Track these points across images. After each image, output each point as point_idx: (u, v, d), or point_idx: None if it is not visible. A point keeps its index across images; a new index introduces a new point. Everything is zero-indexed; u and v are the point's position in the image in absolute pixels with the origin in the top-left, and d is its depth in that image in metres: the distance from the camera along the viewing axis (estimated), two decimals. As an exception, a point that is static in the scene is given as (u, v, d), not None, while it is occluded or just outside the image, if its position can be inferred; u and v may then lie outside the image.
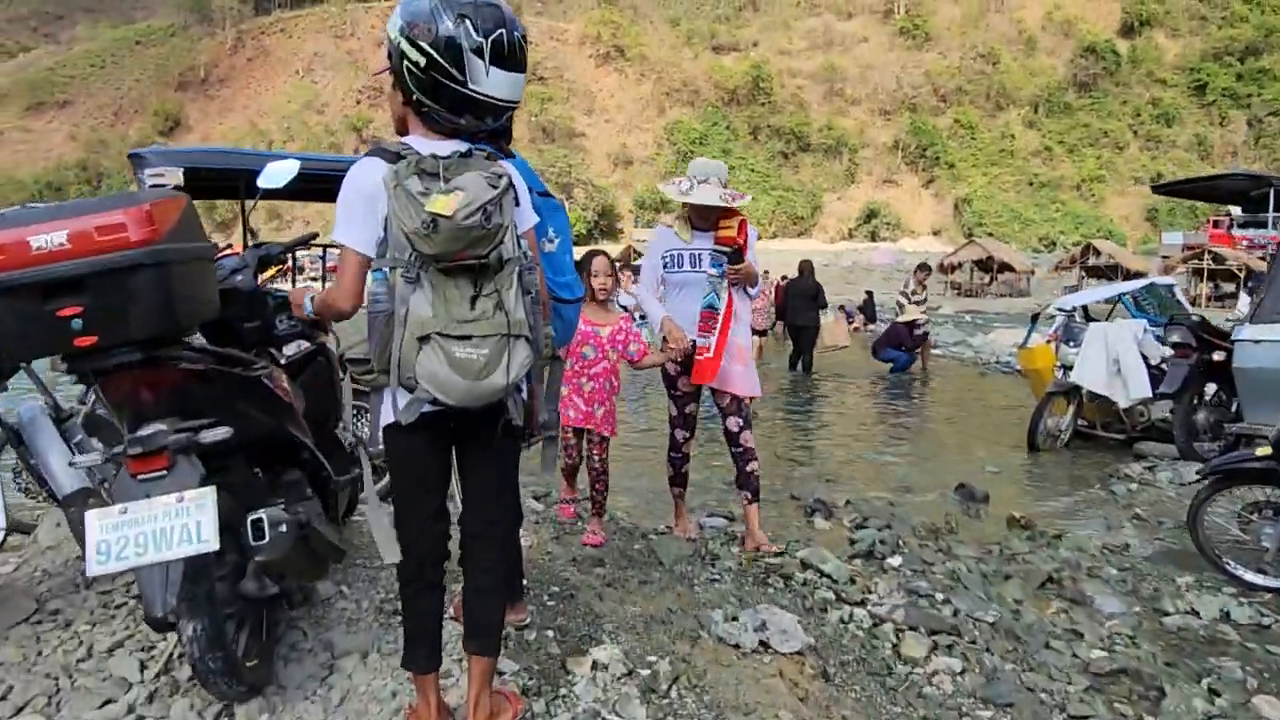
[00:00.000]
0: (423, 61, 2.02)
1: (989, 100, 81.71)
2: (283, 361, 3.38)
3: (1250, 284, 28.66)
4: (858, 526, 4.55)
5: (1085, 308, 7.53)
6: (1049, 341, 7.50)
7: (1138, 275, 39.01)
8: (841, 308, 19.33)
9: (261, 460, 2.66)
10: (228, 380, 2.33)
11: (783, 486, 5.53)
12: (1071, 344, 6.88)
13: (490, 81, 2.02)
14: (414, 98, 2.09)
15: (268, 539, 2.21)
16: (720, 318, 3.75)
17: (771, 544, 3.97)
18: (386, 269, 1.95)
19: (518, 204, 2.01)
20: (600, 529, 3.90)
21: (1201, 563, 4.03)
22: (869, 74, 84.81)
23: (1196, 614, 3.55)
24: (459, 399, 1.91)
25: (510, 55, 2.04)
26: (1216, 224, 43.96)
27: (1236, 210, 41.18)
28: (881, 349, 12.63)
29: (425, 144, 2.09)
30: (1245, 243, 41.08)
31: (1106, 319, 7.59)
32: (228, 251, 3.38)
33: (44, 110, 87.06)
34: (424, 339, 1.89)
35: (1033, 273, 45.23)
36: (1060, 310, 7.57)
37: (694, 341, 3.80)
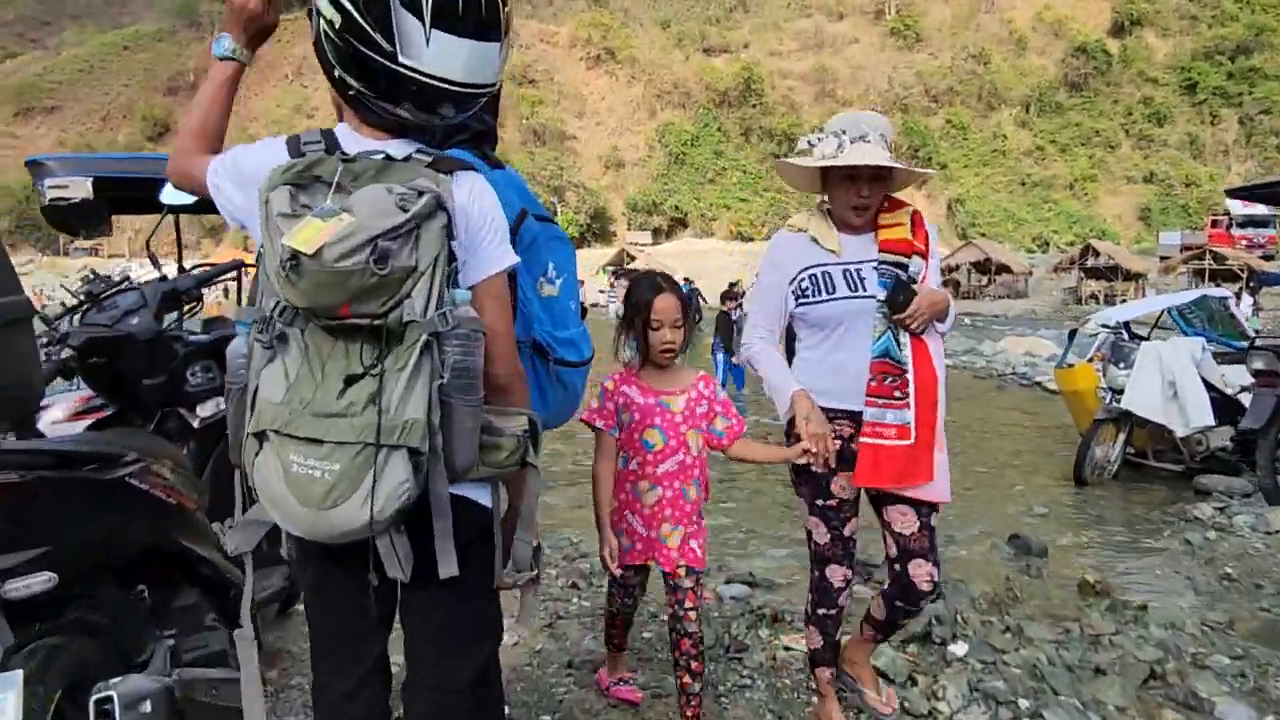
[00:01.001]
0: (338, 21, 1.34)
1: (980, 100, 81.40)
2: (196, 424, 2.69)
3: (1253, 284, 28.11)
4: (903, 594, 3.86)
5: (1128, 324, 6.85)
6: (1092, 361, 6.81)
7: (1138, 276, 38.70)
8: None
9: (146, 575, 1.96)
10: (65, 489, 1.62)
11: (800, 534, 4.81)
12: (1121, 365, 6.19)
13: (431, 52, 1.32)
14: (335, 74, 1.40)
15: (120, 729, 1.50)
16: (909, 375, 2.22)
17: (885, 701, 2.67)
18: (249, 323, 1.28)
19: (452, 237, 1.27)
20: None
21: (1326, 646, 3.35)
22: (860, 75, 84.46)
23: (1347, 727, 2.86)
24: (305, 531, 1.24)
25: (468, 15, 1.33)
26: (1215, 223, 43.61)
27: (1236, 208, 40.85)
28: None
29: (353, 140, 1.41)
30: (1245, 242, 40.76)
31: (1148, 336, 6.92)
32: (123, 286, 2.69)
33: (31, 116, 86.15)
34: (260, 435, 1.22)
35: (1030, 274, 44.80)
36: (1104, 326, 6.88)
37: (847, 421, 2.29)
